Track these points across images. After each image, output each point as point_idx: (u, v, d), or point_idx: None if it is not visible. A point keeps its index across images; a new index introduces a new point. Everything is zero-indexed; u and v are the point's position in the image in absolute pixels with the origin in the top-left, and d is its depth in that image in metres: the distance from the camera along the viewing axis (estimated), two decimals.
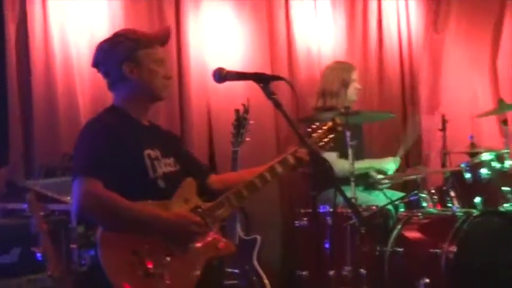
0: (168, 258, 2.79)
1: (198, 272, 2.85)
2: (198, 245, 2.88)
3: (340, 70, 5.03)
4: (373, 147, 5.54)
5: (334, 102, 4.91)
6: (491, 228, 4.19)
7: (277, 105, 2.81)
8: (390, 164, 4.87)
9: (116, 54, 2.96)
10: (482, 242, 4.12)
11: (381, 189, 4.73)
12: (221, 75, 2.90)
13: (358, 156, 4.60)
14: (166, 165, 2.99)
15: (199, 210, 2.91)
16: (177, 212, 2.86)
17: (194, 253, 2.87)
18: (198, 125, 5.20)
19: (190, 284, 2.84)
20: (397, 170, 4.92)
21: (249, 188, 3.02)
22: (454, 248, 3.95)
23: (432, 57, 6.08)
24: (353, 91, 4.97)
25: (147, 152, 2.93)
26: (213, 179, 3.23)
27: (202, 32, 5.28)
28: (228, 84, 3.05)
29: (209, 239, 2.93)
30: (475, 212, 4.20)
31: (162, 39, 3.09)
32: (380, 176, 4.82)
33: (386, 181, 4.79)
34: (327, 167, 2.88)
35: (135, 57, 2.95)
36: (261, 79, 2.86)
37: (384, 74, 5.93)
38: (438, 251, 3.99)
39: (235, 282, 4.34)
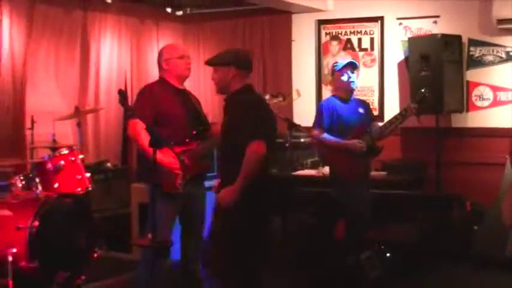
0: None
1: None
2: None
3: None
4: None
5: None
6: (65, 208, 5.31)
7: None
8: None
9: None
10: (60, 219, 5.15)
11: None
12: None
13: None
14: None
15: None
16: None
17: None
18: None
19: None
20: None
21: None
22: (37, 223, 4.88)
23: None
24: None
25: None
26: None
27: None
28: None
29: None
30: (53, 195, 5.27)
31: None
32: None
33: None
34: None
35: None
36: None
37: None
38: (24, 226, 4.87)
39: None
